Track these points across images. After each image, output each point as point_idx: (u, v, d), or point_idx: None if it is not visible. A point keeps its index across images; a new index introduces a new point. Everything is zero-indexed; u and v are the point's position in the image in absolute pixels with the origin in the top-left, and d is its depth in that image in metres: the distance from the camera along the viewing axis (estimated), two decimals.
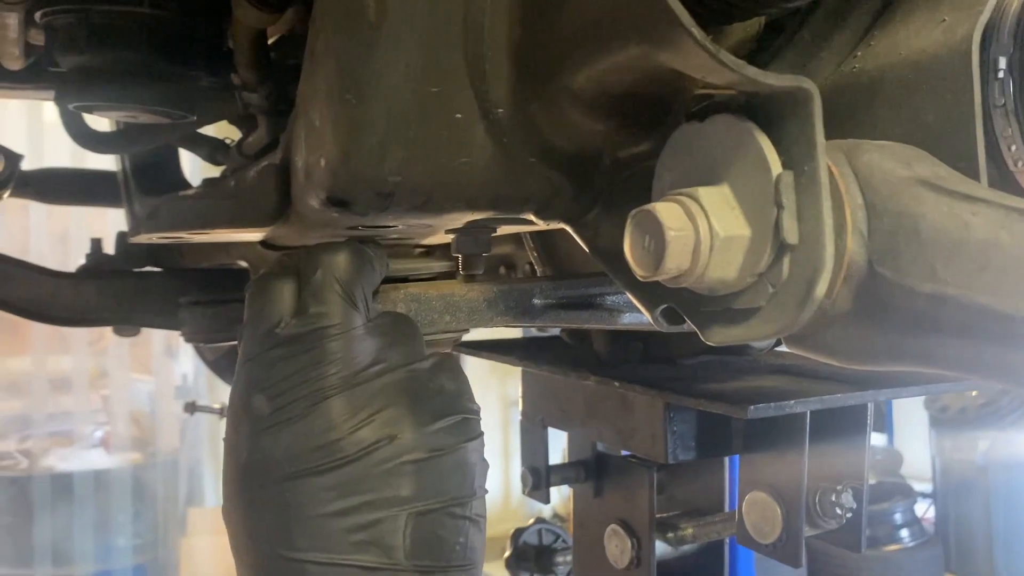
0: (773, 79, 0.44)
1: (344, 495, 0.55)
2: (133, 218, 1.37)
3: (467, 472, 0.59)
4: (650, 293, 0.57)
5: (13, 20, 0.81)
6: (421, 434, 0.57)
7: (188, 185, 1.40)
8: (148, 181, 1.34)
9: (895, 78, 0.56)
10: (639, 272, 0.49)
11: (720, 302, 0.51)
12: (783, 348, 1.06)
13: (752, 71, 0.43)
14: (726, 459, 1.09)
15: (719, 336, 0.51)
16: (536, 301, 0.65)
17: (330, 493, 0.55)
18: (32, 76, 1.16)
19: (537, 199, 0.61)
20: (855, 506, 0.88)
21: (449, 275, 0.66)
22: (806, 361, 1.07)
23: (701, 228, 0.47)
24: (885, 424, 4.77)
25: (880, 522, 3.60)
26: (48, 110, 3.87)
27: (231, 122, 1.24)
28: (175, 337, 4.33)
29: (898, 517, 3.72)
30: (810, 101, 0.45)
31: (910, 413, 4.78)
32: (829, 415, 0.88)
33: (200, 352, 2.05)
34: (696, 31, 0.41)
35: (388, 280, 0.62)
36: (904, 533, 3.73)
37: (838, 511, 0.87)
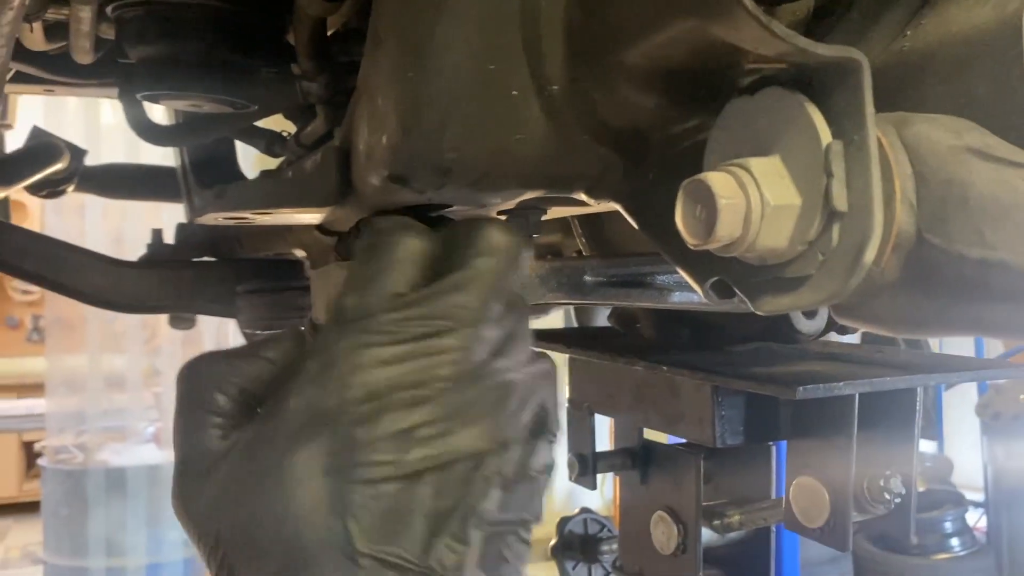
0: (823, 49, 0.45)
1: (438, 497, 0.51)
2: (192, 209, 1.42)
3: (540, 496, 0.57)
4: (700, 266, 0.58)
5: (87, 13, 0.85)
6: (520, 450, 0.54)
7: (244, 178, 1.44)
8: (206, 174, 1.38)
9: (945, 55, 0.56)
10: (691, 241, 0.50)
11: (770, 271, 0.52)
12: (831, 336, 1.06)
13: (803, 41, 0.44)
14: (772, 448, 1.09)
15: (769, 305, 0.52)
16: (587, 278, 0.67)
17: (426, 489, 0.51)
18: (98, 71, 1.21)
19: (589, 176, 0.63)
20: (904, 492, 0.88)
21: None
22: (855, 349, 1.07)
23: (752, 196, 0.48)
24: (935, 431, 4.69)
25: (930, 530, 3.54)
26: (105, 113, 3.99)
27: (286, 116, 1.28)
28: (224, 337, 4.41)
29: (948, 526, 3.65)
30: (859, 71, 0.46)
31: (961, 419, 4.69)
32: (878, 401, 0.88)
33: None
34: (748, 1, 0.42)
35: None
36: (955, 542, 3.67)
37: (887, 496, 0.87)
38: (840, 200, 0.47)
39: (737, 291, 0.55)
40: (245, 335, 1.31)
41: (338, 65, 0.87)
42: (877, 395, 0.86)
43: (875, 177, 0.46)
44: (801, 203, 0.48)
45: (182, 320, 1.81)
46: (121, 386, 4.45)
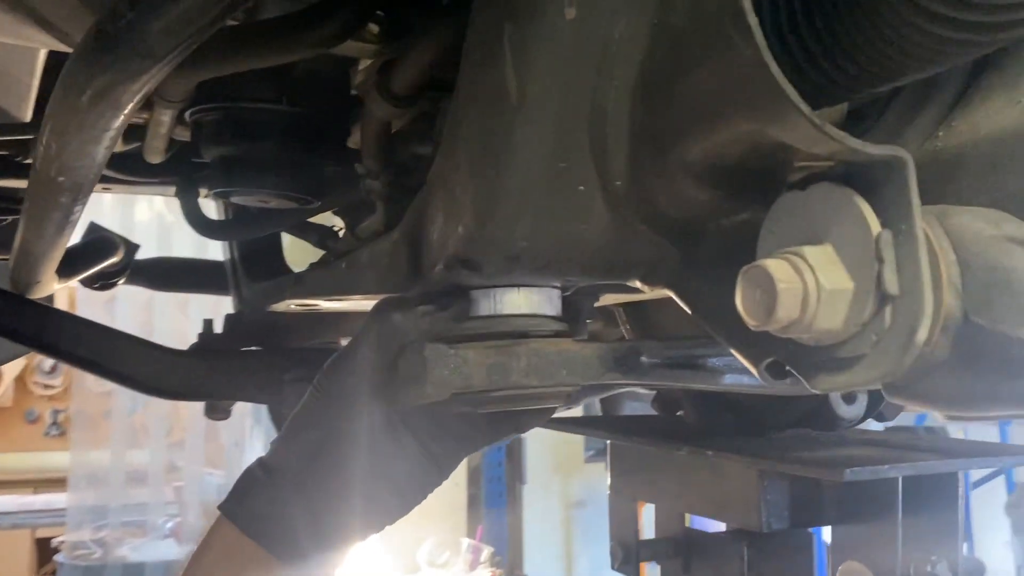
0: (872, 148, 0.50)
1: None
2: (240, 300, 1.47)
3: None
4: (755, 349, 0.62)
5: (167, 117, 0.92)
6: None
7: (291, 271, 1.50)
8: (255, 267, 1.44)
9: (978, 154, 0.61)
10: (751, 322, 0.54)
11: (825, 352, 0.55)
12: (869, 424, 1.09)
13: (854, 141, 0.49)
14: (813, 535, 1.10)
15: (825, 383, 0.56)
16: (643, 359, 0.70)
17: None
18: (160, 171, 1.28)
19: (644, 264, 0.67)
20: None
21: (562, 335, 0.72)
22: (891, 435, 1.09)
23: (808, 281, 0.52)
24: (965, 531, 4.59)
25: None
26: (140, 210, 4.11)
27: (336, 212, 1.35)
28: (245, 432, 4.41)
29: None
30: (905, 167, 0.50)
31: (991, 519, 4.60)
32: (920, 485, 0.90)
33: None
34: (804, 106, 0.47)
35: (510, 335, 0.68)
36: None
37: None
38: (892, 284, 0.51)
39: (793, 371, 0.59)
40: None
41: (398, 164, 0.94)
42: (920, 480, 0.88)
43: (924, 262, 0.50)
44: (854, 287, 0.52)
45: (218, 411, 1.85)
46: (142, 481, 4.45)
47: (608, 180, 0.60)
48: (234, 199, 0.95)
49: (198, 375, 1.28)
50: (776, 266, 0.53)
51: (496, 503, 4.93)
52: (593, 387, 0.75)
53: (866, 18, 0.50)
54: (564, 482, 5.86)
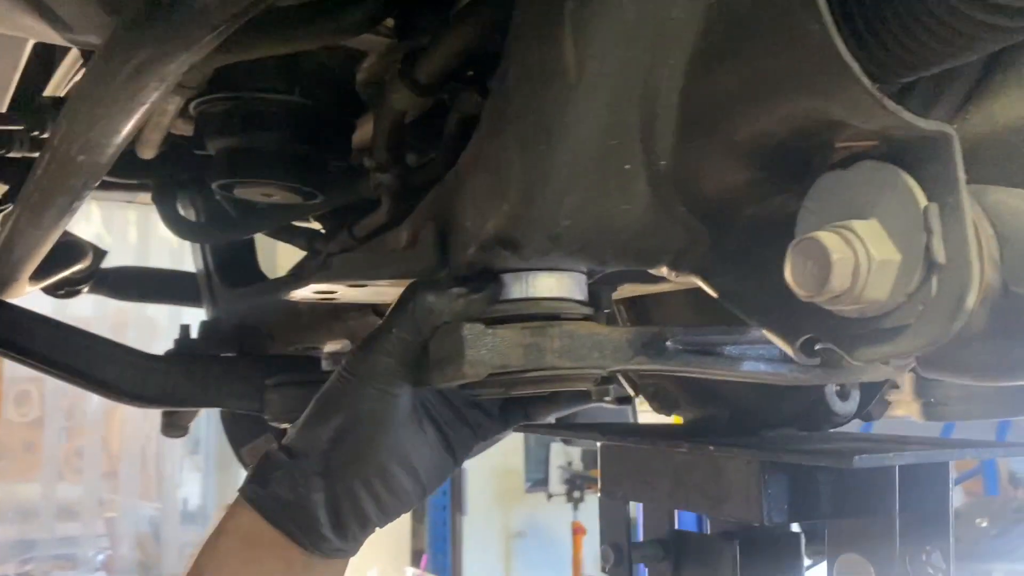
0: (923, 123, 0.52)
1: None
2: (214, 307, 1.45)
3: None
4: (790, 327, 0.64)
5: (173, 106, 0.90)
6: None
7: (265, 278, 1.48)
8: (231, 274, 1.42)
9: (995, 142, 0.65)
10: (802, 293, 0.56)
11: (867, 324, 0.57)
12: (854, 425, 1.12)
13: (908, 115, 0.51)
14: (801, 535, 1.12)
15: (867, 354, 0.58)
16: (669, 344, 0.71)
17: None
18: (139, 172, 1.25)
19: (674, 250, 0.69)
20: (945, 567, 0.91)
21: (590, 319, 0.73)
22: (875, 435, 1.13)
23: (859, 252, 0.54)
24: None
25: None
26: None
27: (316, 218, 1.34)
28: (183, 464, 4.28)
29: None
30: (952, 142, 0.53)
31: None
32: (912, 478, 0.92)
33: (240, 457, 2.07)
34: (866, 80, 0.50)
35: (543, 318, 0.69)
36: None
37: (930, 570, 0.90)
38: (940, 253, 0.53)
39: (831, 345, 0.61)
40: (271, 428, 1.31)
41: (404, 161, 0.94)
42: (912, 472, 0.91)
43: (970, 232, 0.52)
44: (901, 258, 0.55)
45: (176, 427, 1.80)
46: (74, 514, 4.29)
47: (653, 159, 0.61)
48: (237, 191, 0.94)
49: (175, 382, 1.25)
50: (829, 238, 0.55)
51: (440, 532, 4.89)
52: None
53: (915, 3, 0.52)
54: (504, 512, 5.83)
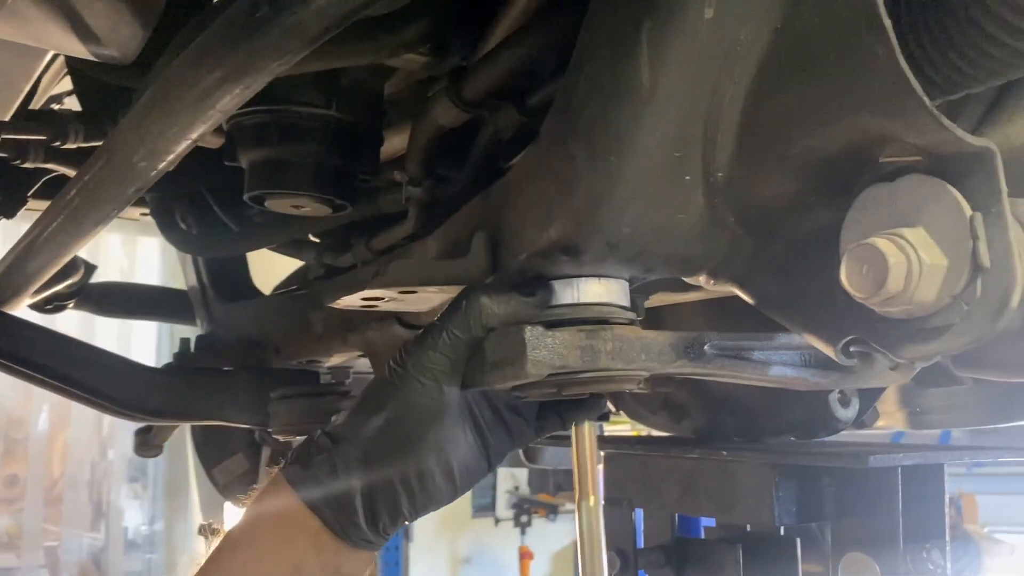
0: (971, 139, 0.58)
1: None
2: (208, 321, 1.44)
3: None
4: (831, 331, 0.68)
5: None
6: None
7: (259, 292, 1.48)
8: (224, 289, 1.42)
9: (1010, 162, 0.71)
10: (858, 295, 0.61)
11: (912, 324, 0.62)
12: (852, 433, 1.17)
13: (960, 132, 0.57)
14: (797, 540, 1.17)
15: (912, 352, 0.63)
16: (707, 349, 0.76)
17: None
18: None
19: (717, 259, 0.73)
20: (943, 563, 0.97)
21: (635, 324, 0.76)
22: (871, 441, 1.19)
23: (912, 257, 0.59)
24: None
25: None
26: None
27: (321, 237, 1.35)
28: (127, 491, 4.17)
29: None
30: (996, 157, 0.58)
31: None
32: (911, 479, 0.98)
33: (212, 478, 2.05)
34: (927, 100, 0.55)
35: (594, 322, 0.72)
36: None
37: (930, 567, 0.96)
38: (985, 258, 0.58)
39: (875, 345, 0.65)
40: (274, 441, 1.31)
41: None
42: (910, 473, 0.96)
43: (1014, 238, 0.58)
44: (948, 263, 0.60)
45: (150, 447, 1.77)
46: (14, 544, 4.14)
47: (711, 172, 0.66)
48: (268, 203, 0.96)
49: (176, 394, 1.24)
50: (884, 244, 0.59)
51: (392, 557, 4.85)
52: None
53: (968, 27, 0.58)
54: (451, 539, 5.80)
